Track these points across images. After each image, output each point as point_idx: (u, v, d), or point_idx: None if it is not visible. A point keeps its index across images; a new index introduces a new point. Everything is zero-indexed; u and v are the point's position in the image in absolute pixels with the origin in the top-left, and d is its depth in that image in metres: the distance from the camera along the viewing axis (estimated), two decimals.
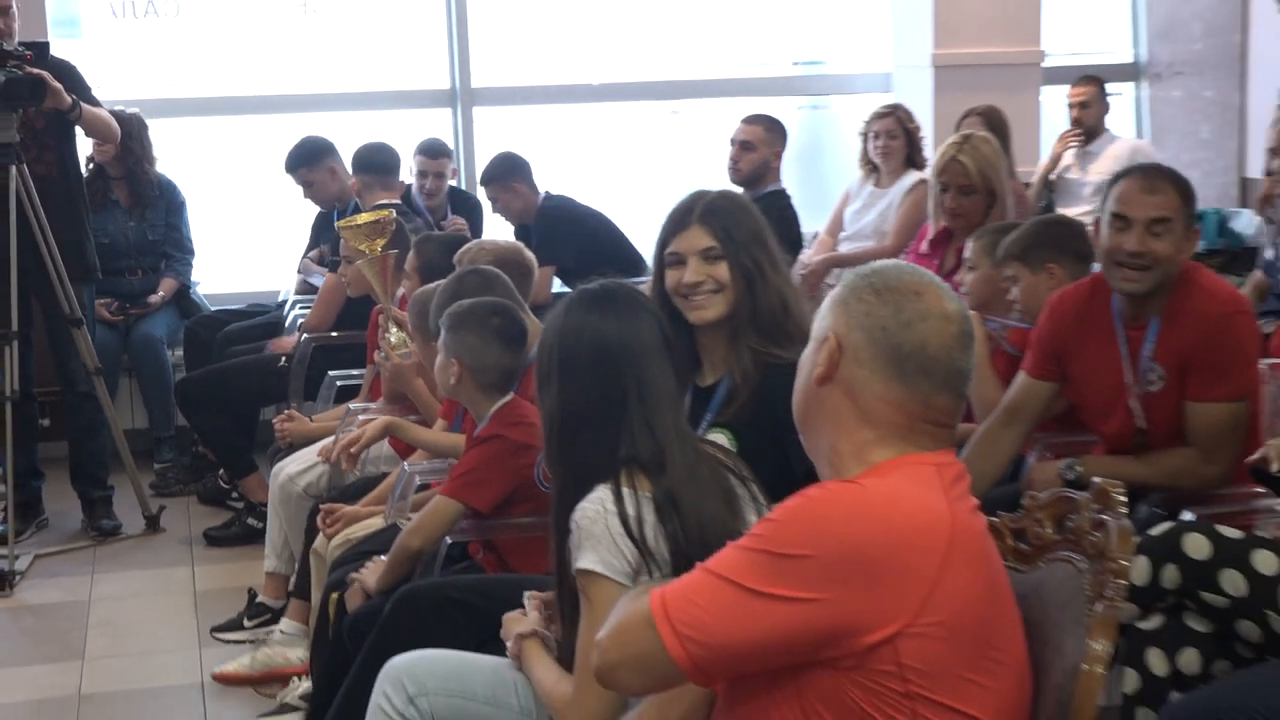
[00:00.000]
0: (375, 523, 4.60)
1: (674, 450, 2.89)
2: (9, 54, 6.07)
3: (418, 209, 7.23)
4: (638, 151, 8.97)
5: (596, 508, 2.82)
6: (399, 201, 6.76)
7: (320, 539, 4.78)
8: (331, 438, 5.09)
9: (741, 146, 7.07)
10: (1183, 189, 3.99)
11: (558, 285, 7.25)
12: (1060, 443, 4.36)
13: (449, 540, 4.03)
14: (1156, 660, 3.40)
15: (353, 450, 4.71)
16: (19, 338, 6.20)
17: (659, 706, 2.60)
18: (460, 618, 3.64)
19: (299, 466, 5.34)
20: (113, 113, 6.84)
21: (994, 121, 7.06)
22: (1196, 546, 3.40)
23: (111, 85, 7.62)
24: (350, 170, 7.01)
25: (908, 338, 2.37)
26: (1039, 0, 8.40)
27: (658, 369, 2.93)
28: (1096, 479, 2.56)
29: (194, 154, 8.24)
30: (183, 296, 7.74)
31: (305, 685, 4.65)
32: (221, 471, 6.96)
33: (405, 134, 7.58)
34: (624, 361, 2.90)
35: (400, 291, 5.46)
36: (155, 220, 7.60)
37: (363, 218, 5.50)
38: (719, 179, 6.89)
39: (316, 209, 7.43)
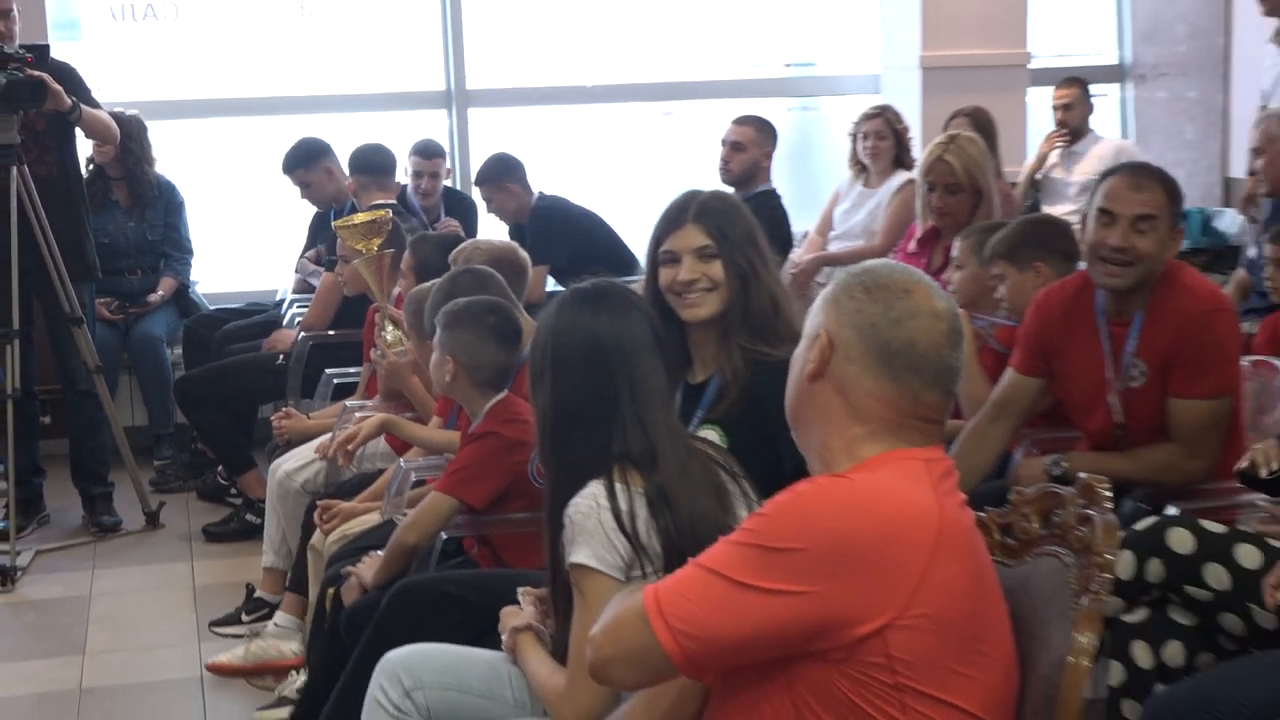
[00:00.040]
0: (372, 518, 4.61)
1: (666, 446, 2.90)
2: (10, 57, 6.08)
3: (413, 209, 7.23)
4: (630, 152, 8.98)
5: (590, 503, 2.83)
6: (395, 202, 6.76)
7: (317, 535, 4.79)
8: (328, 435, 5.09)
9: (733, 147, 7.08)
10: (1170, 188, 4.00)
11: (551, 284, 7.26)
12: (1046, 439, 4.36)
13: (444, 536, 4.04)
14: (1141, 653, 3.44)
15: (349, 447, 4.75)
16: (20, 336, 6.20)
17: (647, 700, 2.60)
18: (456, 612, 3.64)
19: (297, 463, 5.35)
20: (112, 114, 6.85)
21: (981, 122, 7.07)
22: (1180, 541, 3.44)
23: (111, 87, 7.64)
24: (347, 171, 7.00)
25: (897, 335, 2.39)
26: (1025, 3, 8.41)
27: (649, 367, 2.94)
28: (1082, 474, 2.57)
29: (193, 155, 8.25)
30: (182, 296, 7.75)
31: (303, 679, 4.62)
32: (220, 468, 6.96)
33: (401, 135, 7.59)
34: (616, 359, 2.92)
35: (396, 290, 5.47)
36: (154, 220, 7.61)
37: (359, 218, 5.50)
38: (710, 179, 6.92)
39: (313, 209, 7.43)
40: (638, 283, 3.59)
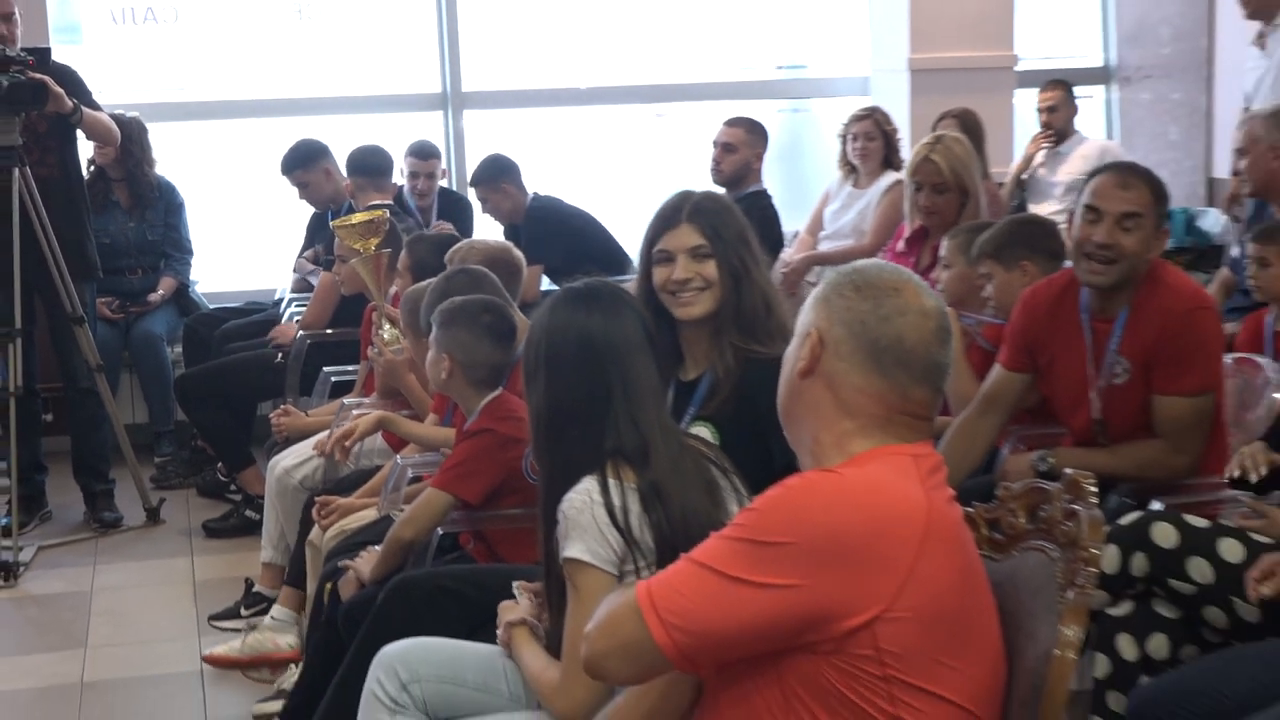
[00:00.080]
0: (369, 514, 4.63)
1: (658, 443, 2.92)
2: (11, 59, 6.11)
3: (409, 209, 7.27)
4: (623, 153, 9.01)
5: (583, 498, 2.86)
6: (391, 202, 6.78)
7: (315, 530, 4.81)
8: (326, 432, 5.14)
9: (724, 148, 7.10)
10: (1155, 188, 4.01)
11: (546, 283, 7.30)
12: (1033, 435, 4.37)
13: (440, 531, 4.05)
14: (1126, 645, 3.48)
15: (347, 444, 4.78)
16: (22, 335, 6.21)
17: (639, 693, 2.60)
18: (452, 607, 3.66)
19: (295, 460, 5.37)
20: (113, 116, 6.87)
21: (968, 124, 7.12)
22: (1165, 535, 3.49)
23: (112, 89, 7.68)
24: (344, 172, 7.01)
25: (886, 332, 2.41)
26: (1012, 6, 8.44)
27: (641, 364, 2.97)
28: (1068, 470, 2.58)
29: (192, 156, 8.28)
30: (182, 295, 7.78)
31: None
32: (220, 465, 7.00)
33: (398, 137, 7.62)
34: (608, 357, 2.94)
35: (393, 289, 5.48)
36: (155, 221, 7.65)
37: (357, 218, 5.53)
38: (702, 180, 6.90)
39: (311, 210, 7.43)
40: (631, 282, 3.61)
